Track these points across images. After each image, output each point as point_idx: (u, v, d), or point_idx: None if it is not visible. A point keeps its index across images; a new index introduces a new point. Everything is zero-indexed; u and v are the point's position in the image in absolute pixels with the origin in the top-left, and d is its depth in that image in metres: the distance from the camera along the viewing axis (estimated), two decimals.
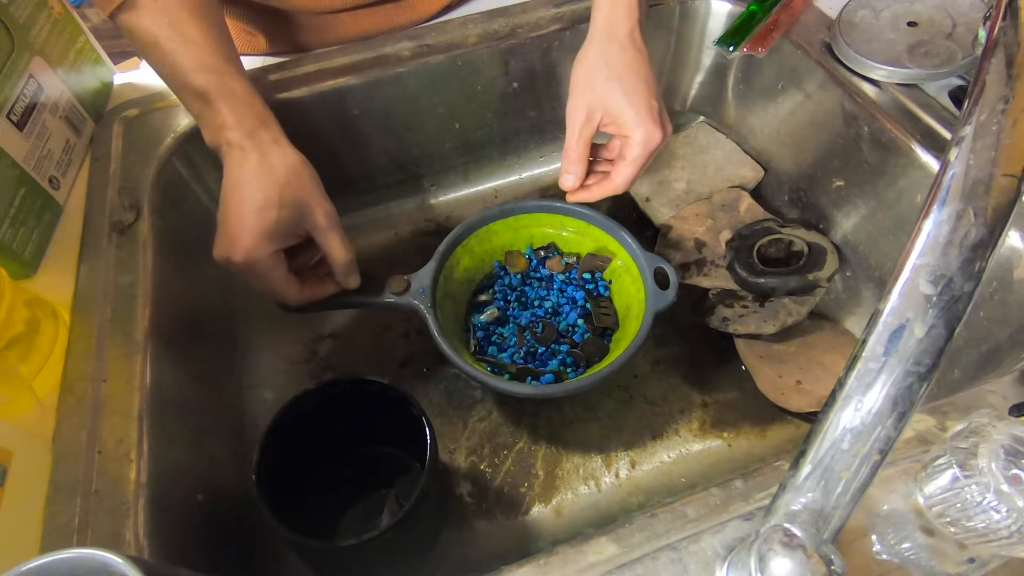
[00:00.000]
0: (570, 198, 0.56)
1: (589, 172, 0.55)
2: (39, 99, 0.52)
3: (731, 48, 0.63)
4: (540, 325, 0.58)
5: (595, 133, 0.51)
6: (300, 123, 0.61)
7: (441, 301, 0.55)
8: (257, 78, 0.61)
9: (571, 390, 0.51)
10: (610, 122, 0.50)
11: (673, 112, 0.77)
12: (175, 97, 0.61)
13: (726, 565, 0.31)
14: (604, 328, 0.58)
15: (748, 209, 0.66)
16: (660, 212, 0.67)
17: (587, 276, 0.61)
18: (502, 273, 0.62)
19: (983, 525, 0.27)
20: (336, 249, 0.49)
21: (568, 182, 0.54)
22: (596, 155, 0.56)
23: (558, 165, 0.75)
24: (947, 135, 0.52)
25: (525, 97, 0.69)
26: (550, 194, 0.74)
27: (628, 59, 0.48)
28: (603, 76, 0.49)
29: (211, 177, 0.62)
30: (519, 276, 0.62)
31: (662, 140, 0.48)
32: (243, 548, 0.49)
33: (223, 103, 0.46)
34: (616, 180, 0.51)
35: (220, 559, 0.46)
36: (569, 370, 0.56)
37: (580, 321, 0.59)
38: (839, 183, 0.61)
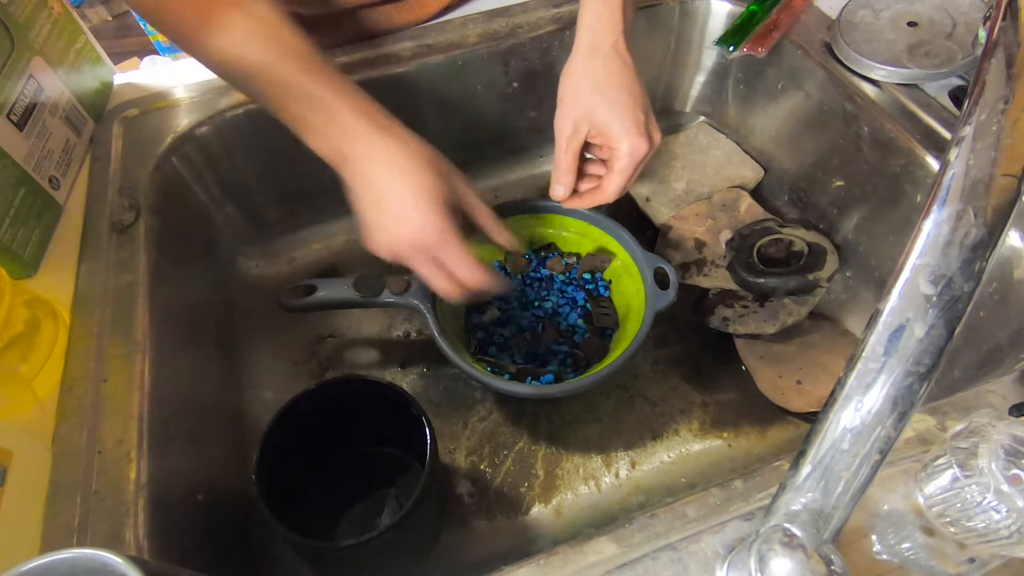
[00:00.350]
0: (564, 205, 0.57)
1: (583, 177, 0.56)
2: (39, 99, 0.52)
3: (731, 48, 0.63)
4: (541, 325, 0.58)
5: (582, 145, 0.52)
6: None
7: (441, 301, 0.55)
8: None
9: (571, 390, 0.51)
10: (597, 134, 0.50)
11: (673, 112, 0.77)
12: (175, 97, 0.61)
13: (726, 565, 0.31)
14: (604, 328, 0.58)
15: (748, 209, 0.66)
16: (660, 212, 0.67)
17: (587, 276, 0.61)
18: (502, 273, 0.62)
19: (983, 525, 0.27)
20: (484, 213, 0.49)
21: (558, 193, 0.54)
22: (584, 170, 0.56)
23: None
24: (947, 135, 0.52)
25: (525, 97, 0.69)
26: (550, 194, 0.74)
27: (612, 71, 0.48)
28: (588, 89, 0.49)
29: (211, 177, 0.62)
30: (519, 276, 0.62)
31: (648, 150, 0.49)
32: (243, 548, 0.49)
33: (343, 105, 0.44)
34: (607, 190, 0.51)
35: (220, 559, 0.46)
36: (569, 370, 0.56)
37: (580, 321, 0.59)
38: (839, 183, 0.61)
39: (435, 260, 0.46)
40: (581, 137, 0.51)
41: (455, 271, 0.47)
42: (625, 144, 0.48)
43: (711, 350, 0.60)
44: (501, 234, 0.51)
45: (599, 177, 0.55)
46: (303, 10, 0.63)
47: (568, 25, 0.65)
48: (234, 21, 0.43)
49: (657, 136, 0.49)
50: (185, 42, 0.45)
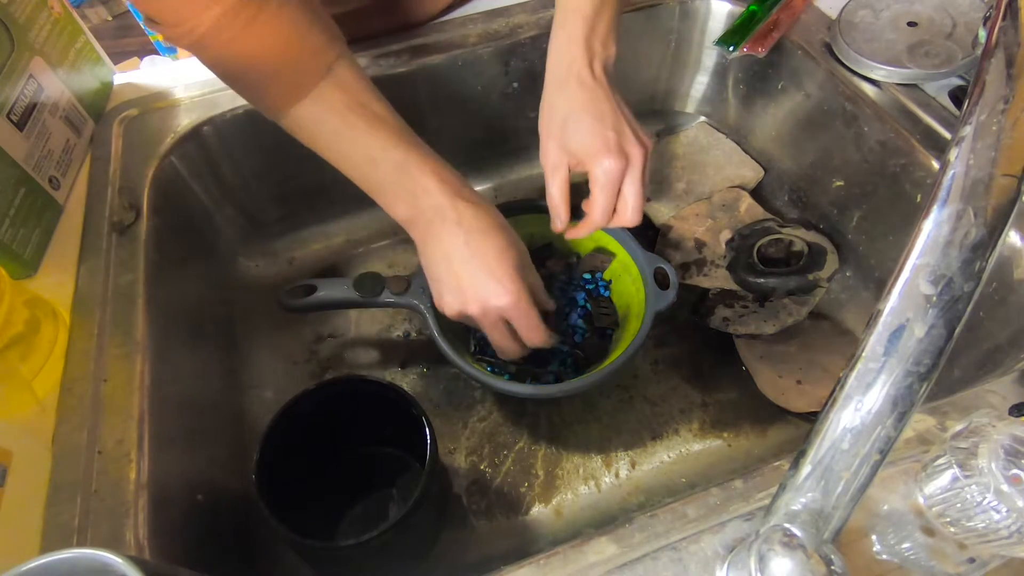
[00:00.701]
0: (568, 236, 0.56)
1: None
2: (39, 99, 0.52)
3: (731, 48, 0.63)
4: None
5: (568, 175, 0.52)
6: None
7: None
8: None
9: (571, 390, 0.51)
10: (576, 163, 0.51)
11: (673, 112, 0.77)
12: (175, 97, 0.61)
13: (726, 565, 0.31)
14: (604, 328, 0.58)
15: (748, 209, 0.66)
16: (660, 212, 0.67)
17: (587, 276, 0.61)
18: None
19: (983, 525, 0.27)
20: (541, 290, 0.52)
21: (555, 226, 0.55)
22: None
23: None
24: (947, 135, 0.52)
25: (525, 97, 0.69)
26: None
27: (577, 99, 0.49)
28: (558, 121, 0.50)
29: (211, 177, 0.62)
30: None
31: (622, 167, 0.49)
32: (243, 548, 0.49)
33: (426, 171, 0.46)
34: (592, 214, 0.52)
35: (220, 559, 0.46)
36: (569, 370, 0.56)
37: (580, 321, 0.59)
38: (839, 183, 0.61)
39: (504, 322, 0.48)
40: (564, 168, 0.52)
41: (523, 333, 0.49)
42: (595, 167, 0.49)
43: (711, 350, 0.60)
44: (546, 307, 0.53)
45: None
46: None
47: None
48: (326, 91, 0.45)
49: (636, 150, 0.49)
50: (274, 112, 0.46)
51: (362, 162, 0.47)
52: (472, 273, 0.47)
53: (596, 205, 0.51)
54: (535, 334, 0.49)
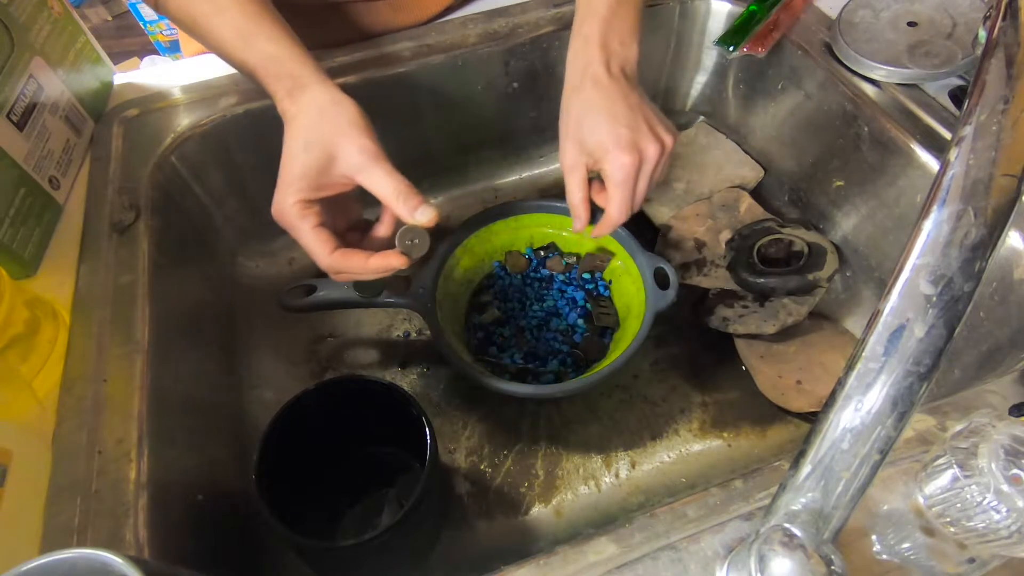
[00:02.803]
0: (592, 236, 0.55)
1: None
2: (39, 99, 0.52)
3: (731, 48, 0.63)
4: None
5: (586, 174, 0.52)
6: None
7: (441, 301, 0.55)
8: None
9: (571, 390, 0.51)
10: (592, 161, 0.51)
11: (673, 112, 0.77)
12: (175, 97, 0.61)
13: (726, 565, 0.31)
14: (604, 328, 0.58)
15: (748, 209, 0.66)
16: (660, 212, 0.67)
17: (587, 276, 0.61)
18: (502, 273, 0.62)
19: (983, 525, 0.27)
20: (378, 183, 0.43)
21: (575, 227, 0.55)
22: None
23: (558, 165, 0.75)
24: (947, 135, 0.52)
25: (525, 97, 0.69)
26: (550, 194, 0.74)
27: (594, 100, 0.49)
28: (574, 123, 0.50)
29: (211, 177, 0.62)
30: (519, 276, 0.62)
31: (636, 164, 0.49)
32: (243, 548, 0.49)
33: (265, 74, 0.47)
34: (609, 212, 0.51)
35: (220, 559, 0.46)
36: (569, 370, 0.56)
37: (580, 321, 0.59)
38: (839, 183, 0.61)
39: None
40: (582, 168, 0.52)
41: (311, 256, 0.45)
42: (609, 164, 0.49)
43: (711, 350, 0.60)
44: (397, 200, 0.44)
45: None
46: (305, 4, 0.63)
47: (568, 25, 0.65)
48: None
49: (651, 147, 0.48)
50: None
51: (226, 58, 0.49)
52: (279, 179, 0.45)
53: (612, 202, 0.50)
54: (314, 257, 0.45)
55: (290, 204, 0.44)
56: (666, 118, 0.51)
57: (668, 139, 0.50)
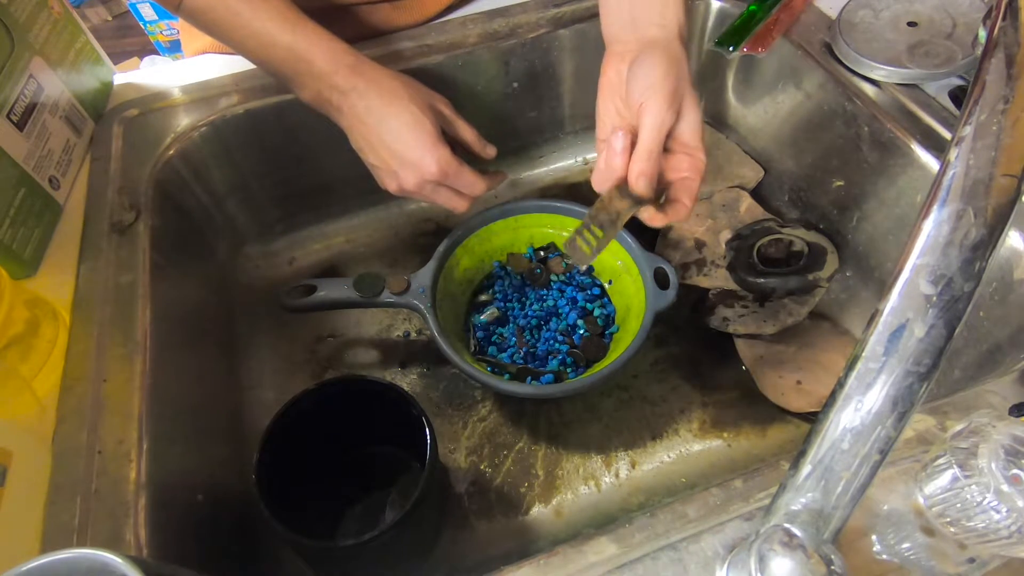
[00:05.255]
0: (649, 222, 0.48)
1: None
2: (39, 99, 0.52)
3: (731, 48, 0.63)
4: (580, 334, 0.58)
5: (628, 131, 0.45)
6: (300, 123, 0.61)
7: (441, 301, 0.55)
8: (257, 79, 0.61)
9: (571, 390, 0.51)
10: (632, 113, 0.45)
11: None
12: (175, 97, 0.61)
13: (726, 565, 0.31)
14: (604, 328, 0.58)
15: (748, 209, 0.66)
16: None
17: (587, 280, 0.61)
18: (502, 273, 0.62)
19: (983, 525, 0.27)
20: (465, 128, 0.54)
21: (603, 182, 0.47)
22: None
23: (558, 165, 0.76)
24: (947, 135, 0.52)
25: (525, 97, 0.69)
26: (550, 194, 0.74)
27: (651, 60, 0.46)
28: (625, 76, 0.46)
29: (211, 177, 0.62)
30: (519, 276, 0.62)
31: (674, 118, 0.44)
32: (243, 548, 0.49)
33: (316, 53, 0.48)
34: (639, 152, 0.44)
35: (220, 559, 0.46)
36: (569, 370, 0.56)
37: (580, 321, 0.59)
38: (839, 183, 0.61)
39: (443, 186, 0.51)
40: (612, 115, 0.48)
41: (464, 191, 0.52)
42: (651, 109, 0.43)
43: (711, 350, 0.60)
44: (484, 148, 0.56)
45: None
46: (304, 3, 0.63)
47: (568, 25, 0.65)
48: None
49: (693, 115, 0.45)
50: (172, 3, 0.48)
51: (257, 48, 0.49)
52: (396, 155, 0.48)
53: (641, 145, 0.44)
54: (474, 188, 0.52)
55: (451, 152, 0.49)
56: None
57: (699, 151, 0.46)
